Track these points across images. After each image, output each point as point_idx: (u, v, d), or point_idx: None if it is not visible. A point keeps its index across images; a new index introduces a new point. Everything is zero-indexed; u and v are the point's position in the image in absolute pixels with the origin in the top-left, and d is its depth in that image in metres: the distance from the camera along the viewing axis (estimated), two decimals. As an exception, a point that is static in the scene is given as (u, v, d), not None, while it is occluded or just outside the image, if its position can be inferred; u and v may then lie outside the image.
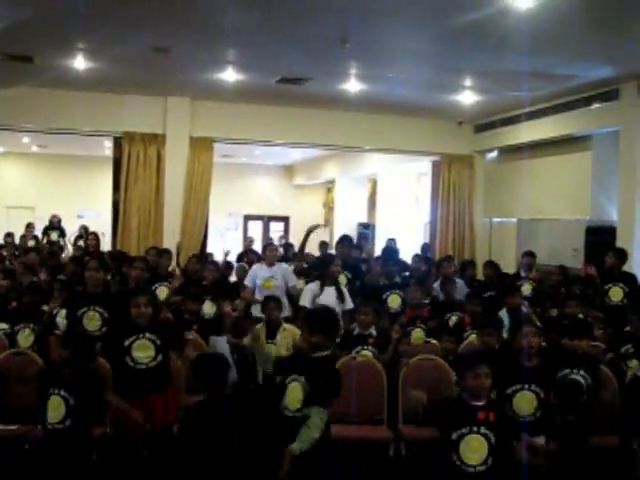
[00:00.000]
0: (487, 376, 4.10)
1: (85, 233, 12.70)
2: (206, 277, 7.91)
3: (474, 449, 4.04)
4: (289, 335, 6.23)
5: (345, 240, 8.63)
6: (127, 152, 11.22)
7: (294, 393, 4.10)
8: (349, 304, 7.07)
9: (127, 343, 4.96)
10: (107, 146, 14.33)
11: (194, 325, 6.75)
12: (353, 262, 8.47)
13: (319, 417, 3.95)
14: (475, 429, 4.06)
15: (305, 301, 6.88)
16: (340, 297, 7.01)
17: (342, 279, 7.74)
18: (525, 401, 4.70)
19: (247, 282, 7.97)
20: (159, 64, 9.18)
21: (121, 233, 11.21)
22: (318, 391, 4.01)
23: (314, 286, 7.00)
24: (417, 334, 6.66)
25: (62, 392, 4.64)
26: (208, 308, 7.30)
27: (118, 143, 11.53)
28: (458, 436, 4.05)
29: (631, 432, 4.42)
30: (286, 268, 8.22)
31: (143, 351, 4.95)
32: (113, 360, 5.15)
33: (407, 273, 9.30)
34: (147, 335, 4.99)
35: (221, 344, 6.67)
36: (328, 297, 6.91)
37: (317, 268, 7.66)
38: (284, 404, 4.14)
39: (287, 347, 6.14)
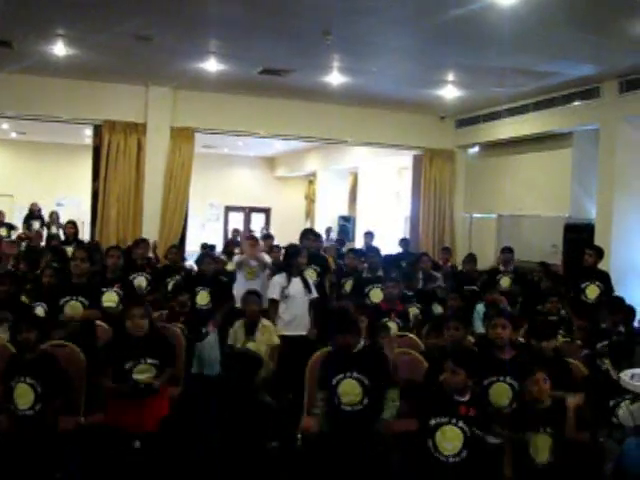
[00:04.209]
0: (456, 372, 4.15)
1: (56, 220, 12.66)
2: (203, 269, 7.78)
3: (449, 439, 4.08)
4: (267, 332, 6.24)
5: (309, 233, 8.61)
6: (107, 141, 11.13)
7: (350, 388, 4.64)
8: (315, 293, 7.13)
9: (127, 367, 4.81)
10: (87, 134, 14.21)
11: (181, 317, 6.69)
12: (317, 254, 8.43)
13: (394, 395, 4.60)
14: (454, 421, 4.11)
15: (274, 294, 6.86)
16: (307, 287, 7.05)
17: (311, 273, 7.75)
18: (500, 393, 4.71)
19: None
20: (141, 53, 9.10)
21: (100, 222, 11.12)
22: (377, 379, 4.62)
23: (281, 278, 6.97)
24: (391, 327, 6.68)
25: (28, 379, 4.61)
26: (202, 299, 7.23)
27: (98, 131, 11.41)
28: (436, 424, 4.10)
29: (598, 426, 4.46)
30: (261, 256, 8.14)
31: (143, 374, 4.84)
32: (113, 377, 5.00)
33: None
34: (148, 360, 4.86)
35: (210, 338, 6.62)
36: (296, 288, 6.93)
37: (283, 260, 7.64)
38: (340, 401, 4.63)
39: (266, 343, 6.18)
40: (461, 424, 4.11)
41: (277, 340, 6.31)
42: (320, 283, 7.84)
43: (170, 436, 4.93)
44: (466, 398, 4.20)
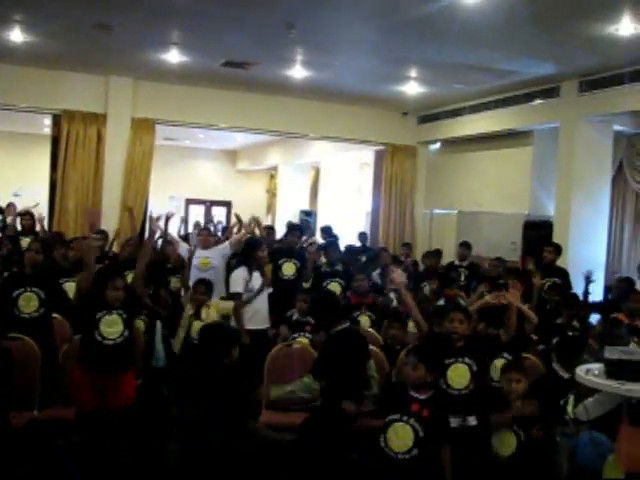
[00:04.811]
0: (416, 367, 4.17)
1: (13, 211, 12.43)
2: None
3: (400, 437, 4.09)
4: (213, 309, 6.34)
5: (295, 229, 8.62)
6: (66, 131, 10.94)
7: None
8: (270, 288, 7.13)
9: (97, 316, 4.89)
10: (46, 124, 13.97)
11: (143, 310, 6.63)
12: (297, 249, 8.44)
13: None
14: (405, 418, 4.11)
15: (238, 287, 6.81)
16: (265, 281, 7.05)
17: (290, 267, 7.76)
18: (459, 373, 4.77)
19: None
20: (101, 42, 8.95)
21: (58, 213, 10.95)
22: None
23: (243, 272, 6.93)
24: (363, 320, 6.72)
25: None
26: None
27: (57, 121, 11.24)
28: (389, 420, 4.11)
29: (552, 423, 4.52)
30: (223, 247, 8.14)
31: (112, 326, 4.88)
32: (82, 335, 5.09)
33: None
34: (114, 311, 4.92)
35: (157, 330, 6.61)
36: (257, 282, 6.90)
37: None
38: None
39: (217, 315, 6.35)
40: (412, 422, 4.12)
41: (228, 306, 6.35)
42: (298, 278, 7.82)
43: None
44: (424, 396, 4.20)
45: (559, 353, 5.12)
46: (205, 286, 6.54)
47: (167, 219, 8.20)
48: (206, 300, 6.44)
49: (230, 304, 6.63)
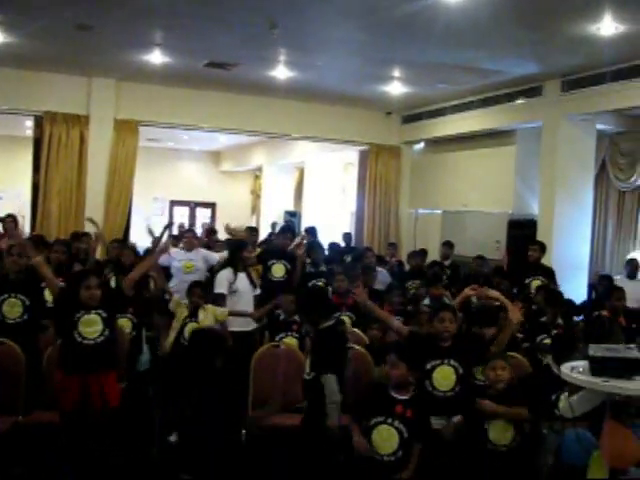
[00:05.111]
0: (396, 366, 4.16)
1: None
2: (123, 261, 7.71)
3: (385, 439, 4.09)
4: (210, 313, 6.28)
5: (287, 231, 8.61)
6: (48, 132, 10.87)
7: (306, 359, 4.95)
8: (258, 290, 7.11)
9: (76, 317, 4.83)
10: (28, 126, 13.87)
11: (129, 307, 6.57)
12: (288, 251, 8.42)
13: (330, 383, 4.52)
14: (390, 420, 4.11)
15: (222, 288, 6.80)
16: (252, 283, 7.02)
17: (279, 268, 7.74)
18: (444, 376, 4.76)
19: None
20: (83, 42, 8.90)
21: (41, 216, 10.87)
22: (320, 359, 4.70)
23: (228, 273, 6.92)
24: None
25: None
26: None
27: (39, 123, 11.16)
28: (373, 423, 4.10)
29: (539, 417, 4.54)
30: (206, 252, 8.15)
31: (91, 326, 4.82)
32: (62, 337, 5.03)
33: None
34: (93, 311, 4.85)
35: None
36: (242, 283, 6.89)
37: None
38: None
39: (213, 320, 6.28)
40: (397, 424, 4.12)
41: (223, 312, 6.33)
42: (289, 279, 7.77)
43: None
44: (406, 397, 4.19)
45: (554, 350, 5.14)
46: (201, 288, 6.51)
47: (166, 228, 8.06)
48: (202, 302, 6.40)
49: (226, 310, 6.59)
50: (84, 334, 4.78)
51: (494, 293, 5.44)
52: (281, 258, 7.84)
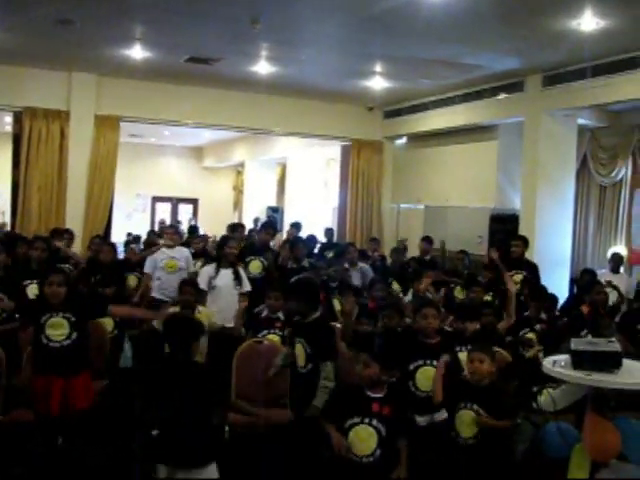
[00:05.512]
0: (369, 365, 4.13)
1: None
2: (102, 258, 7.70)
3: (363, 439, 4.05)
4: (204, 317, 6.18)
5: (269, 227, 8.57)
6: (28, 128, 10.77)
7: (299, 353, 4.94)
8: (247, 286, 7.00)
9: (42, 320, 4.83)
10: (7, 121, 13.76)
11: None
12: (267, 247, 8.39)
13: (329, 369, 4.69)
14: (367, 420, 4.07)
15: (202, 283, 6.77)
16: (237, 279, 6.93)
17: (257, 265, 7.71)
18: (427, 376, 4.75)
19: (146, 269, 7.74)
20: (63, 37, 8.81)
21: (21, 212, 10.77)
22: (319, 349, 4.81)
23: (210, 268, 6.92)
24: None
25: None
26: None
27: (18, 118, 11.05)
28: (349, 425, 4.05)
29: (518, 408, 4.56)
30: (189, 255, 8.12)
31: (57, 329, 4.80)
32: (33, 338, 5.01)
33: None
34: (61, 314, 4.83)
35: None
36: (224, 279, 6.84)
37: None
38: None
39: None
40: (375, 423, 4.09)
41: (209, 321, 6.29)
42: (265, 276, 7.71)
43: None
44: (380, 395, 4.17)
45: (543, 343, 5.18)
46: (192, 286, 6.44)
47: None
48: (192, 300, 6.32)
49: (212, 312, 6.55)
50: (50, 337, 4.79)
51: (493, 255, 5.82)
52: (258, 254, 7.80)
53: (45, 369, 4.78)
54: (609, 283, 7.83)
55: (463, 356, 4.93)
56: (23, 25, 8.31)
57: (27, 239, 7.78)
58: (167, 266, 7.66)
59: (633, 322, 6.10)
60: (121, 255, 9.47)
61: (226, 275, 6.87)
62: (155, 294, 7.53)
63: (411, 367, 4.78)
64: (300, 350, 4.99)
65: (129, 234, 14.14)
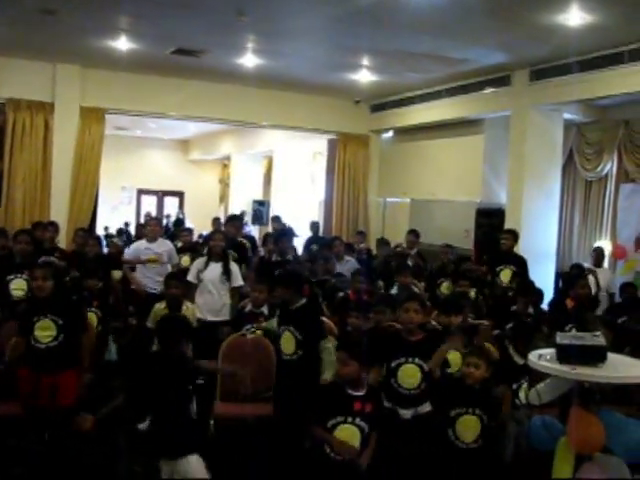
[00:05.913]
0: (346, 363, 4.10)
1: None
2: (87, 251, 7.67)
3: (347, 438, 4.01)
4: (190, 313, 6.20)
5: (236, 219, 8.54)
6: (12, 120, 10.68)
7: (287, 341, 5.15)
8: (237, 281, 6.92)
9: (32, 321, 4.93)
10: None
11: (95, 301, 6.46)
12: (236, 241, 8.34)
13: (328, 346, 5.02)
14: (350, 419, 4.03)
15: (190, 277, 6.78)
16: (226, 273, 6.84)
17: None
18: (409, 374, 4.71)
19: (127, 256, 7.86)
20: (46, 27, 8.71)
21: (5, 205, 10.68)
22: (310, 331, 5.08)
23: (199, 262, 6.92)
24: None
25: None
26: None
27: (2, 110, 10.94)
28: (332, 425, 4.02)
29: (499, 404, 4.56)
30: (171, 248, 8.09)
31: (45, 330, 4.90)
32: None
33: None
34: (49, 316, 4.92)
35: None
36: (212, 273, 6.79)
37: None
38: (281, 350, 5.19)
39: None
40: (358, 421, 4.05)
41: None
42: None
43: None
44: (361, 392, 4.13)
45: (514, 339, 5.17)
46: (177, 280, 6.41)
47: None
48: (179, 295, 6.29)
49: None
50: (38, 338, 4.89)
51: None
52: (229, 248, 7.72)
53: (33, 367, 4.86)
54: (589, 270, 7.88)
55: (453, 356, 4.93)
56: (6, 15, 8.22)
57: (6, 232, 7.63)
58: (149, 260, 7.69)
59: (616, 316, 6.15)
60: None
61: (214, 269, 6.82)
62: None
63: (393, 364, 4.73)
64: (289, 337, 5.04)
65: (106, 228, 14.28)
